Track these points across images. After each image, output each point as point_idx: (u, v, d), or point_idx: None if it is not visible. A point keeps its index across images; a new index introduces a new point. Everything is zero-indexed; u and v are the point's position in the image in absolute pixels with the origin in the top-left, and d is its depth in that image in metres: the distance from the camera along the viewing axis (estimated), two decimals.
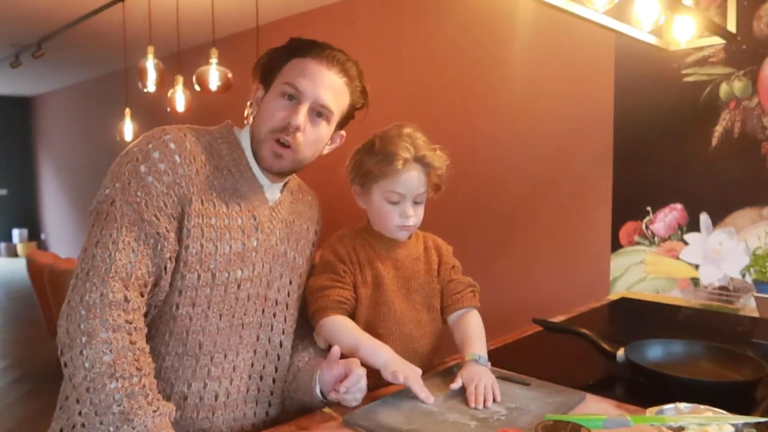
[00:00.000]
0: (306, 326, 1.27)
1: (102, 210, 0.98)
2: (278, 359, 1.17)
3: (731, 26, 2.25)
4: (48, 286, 3.65)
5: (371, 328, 1.22)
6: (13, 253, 9.47)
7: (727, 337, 1.59)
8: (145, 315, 0.99)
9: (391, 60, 3.86)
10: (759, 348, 1.45)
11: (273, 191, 1.15)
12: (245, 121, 1.18)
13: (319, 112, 1.08)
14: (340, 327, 1.19)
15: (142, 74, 3.69)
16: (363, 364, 1.08)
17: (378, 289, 1.25)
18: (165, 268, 0.98)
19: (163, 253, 0.98)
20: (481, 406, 1.05)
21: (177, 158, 1.01)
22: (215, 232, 1.03)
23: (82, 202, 8.05)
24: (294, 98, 1.06)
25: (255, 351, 1.12)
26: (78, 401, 0.87)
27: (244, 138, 1.12)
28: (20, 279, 7.33)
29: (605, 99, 2.86)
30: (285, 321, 1.17)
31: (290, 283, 1.18)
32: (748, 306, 1.91)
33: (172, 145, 1.02)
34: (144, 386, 0.89)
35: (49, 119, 9.27)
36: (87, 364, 0.87)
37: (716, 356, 1.25)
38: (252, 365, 1.12)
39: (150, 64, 3.67)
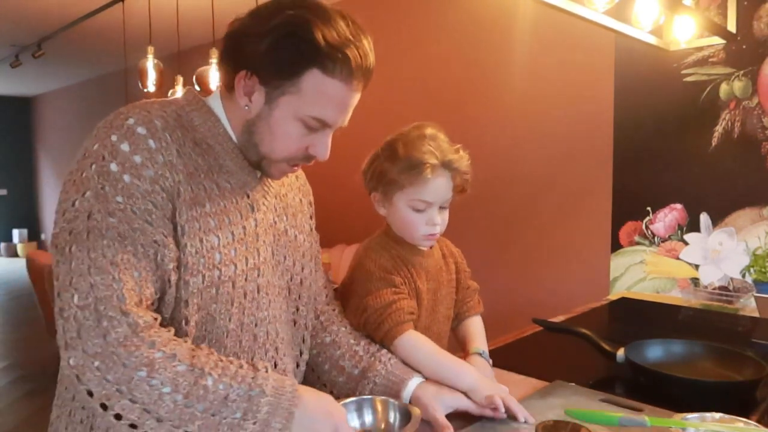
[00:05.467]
0: (352, 329, 1.15)
1: (77, 228, 0.78)
2: (290, 351, 1.03)
3: (731, 26, 2.25)
4: (48, 286, 3.65)
5: None
6: (13, 253, 9.47)
7: (727, 337, 1.59)
8: None
9: (390, 60, 3.86)
10: (759, 348, 1.45)
11: None
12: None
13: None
14: (419, 347, 1.11)
15: (142, 74, 3.69)
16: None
17: (416, 303, 1.20)
18: (169, 280, 0.83)
19: (165, 264, 0.82)
20: (531, 419, 0.97)
21: (152, 143, 0.82)
22: (213, 220, 0.87)
23: None
24: (317, 129, 0.90)
25: (275, 349, 0.98)
26: (177, 426, 0.75)
27: (216, 105, 0.95)
28: (20, 279, 7.33)
29: (605, 99, 2.86)
30: (288, 309, 1.03)
31: (294, 265, 1.04)
32: (748, 306, 1.91)
33: (140, 129, 0.82)
34: (231, 362, 0.80)
35: (49, 119, 9.27)
36: (166, 389, 0.74)
37: (716, 356, 1.25)
38: (275, 366, 0.98)
39: (150, 64, 3.68)
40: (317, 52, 0.84)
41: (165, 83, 3.81)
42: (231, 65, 0.90)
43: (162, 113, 0.87)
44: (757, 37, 2.38)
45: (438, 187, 1.14)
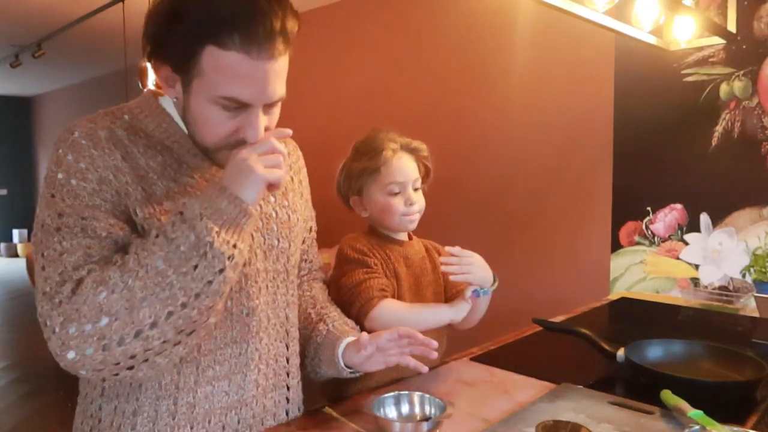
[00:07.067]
0: (317, 293, 1.21)
1: (36, 239, 0.85)
2: (287, 335, 1.06)
3: (731, 26, 2.25)
4: None
5: None
6: (13, 253, 9.47)
7: (727, 337, 1.59)
8: None
9: (390, 61, 3.86)
10: (759, 348, 1.45)
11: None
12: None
13: (272, 104, 0.88)
14: (395, 310, 1.21)
15: (142, 74, 3.69)
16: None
17: (396, 284, 1.28)
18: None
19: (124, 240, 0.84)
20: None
21: (94, 152, 0.85)
22: None
23: None
24: (238, 108, 0.85)
25: (268, 335, 0.99)
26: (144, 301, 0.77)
27: (169, 105, 0.95)
28: (20, 279, 7.33)
29: (605, 99, 2.85)
30: (288, 291, 1.05)
31: (289, 246, 1.04)
32: (748, 306, 1.91)
33: (84, 141, 0.86)
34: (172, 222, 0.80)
35: (49, 119, 9.28)
36: (119, 281, 0.77)
37: (716, 356, 1.25)
38: (268, 351, 1.00)
39: (150, 64, 3.67)
40: (205, 27, 0.79)
41: None
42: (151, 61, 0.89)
43: (109, 124, 0.90)
44: (757, 37, 2.38)
45: (405, 166, 1.26)
